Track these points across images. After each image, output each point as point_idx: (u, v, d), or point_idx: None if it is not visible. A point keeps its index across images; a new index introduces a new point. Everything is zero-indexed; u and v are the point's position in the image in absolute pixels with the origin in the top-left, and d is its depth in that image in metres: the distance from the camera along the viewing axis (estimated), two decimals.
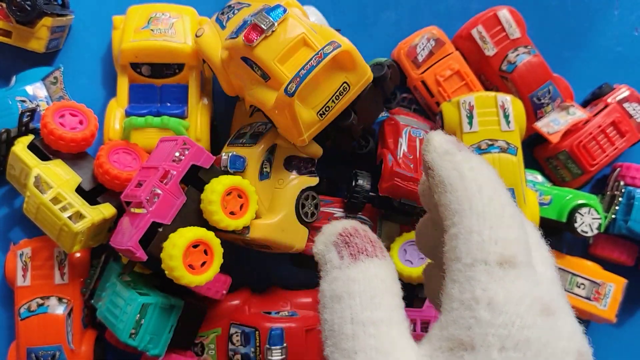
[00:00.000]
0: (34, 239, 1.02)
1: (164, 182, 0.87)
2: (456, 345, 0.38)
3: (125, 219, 0.90)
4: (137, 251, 0.84)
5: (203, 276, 0.86)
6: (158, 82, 1.00)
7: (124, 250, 0.86)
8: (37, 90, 1.04)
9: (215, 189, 0.87)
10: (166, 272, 0.84)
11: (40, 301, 0.98)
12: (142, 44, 0.97)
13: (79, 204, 0.90)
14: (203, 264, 0.86)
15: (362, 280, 0.42)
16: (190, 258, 0.85)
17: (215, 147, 1.03)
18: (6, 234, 1.08)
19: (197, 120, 0.99)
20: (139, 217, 0.86)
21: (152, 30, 0.98)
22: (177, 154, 0.89)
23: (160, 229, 0.86)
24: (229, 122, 1.07)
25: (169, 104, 1.01)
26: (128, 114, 0.98)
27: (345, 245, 0.43)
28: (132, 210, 0.88)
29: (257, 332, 0.98)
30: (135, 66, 1.00)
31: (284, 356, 0.97)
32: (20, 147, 0.95)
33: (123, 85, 1.01)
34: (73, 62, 1.09)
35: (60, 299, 0.99)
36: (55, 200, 0.89)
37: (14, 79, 1.05)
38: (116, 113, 1.00)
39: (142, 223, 0.84)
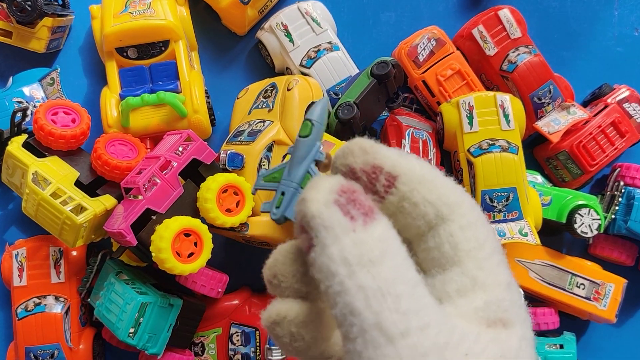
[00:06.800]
0: (29, 239, 1.02)
1: (164, 172, 0.88)
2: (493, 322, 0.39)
3: (120, 205, 0.91)
4: (128, 235, 0.84)
5: (187, 266, 0.86)
6: (146, 63, 1.01)
7: (115, 234, 0.86)
8: (33, 91, 1.03)
9: (211, 187, 0.88)
10: (153, 254, 0.84)
11: (37, 300, 0.98)
12: (124, 26, 0.98)
13: (79, 197, 0.89)
14: (190, 255, 0.86)
15: (389, 239, 0.37)
16: (179, 245, 0.85)
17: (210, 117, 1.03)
18: (1, 235, 1.07)
19: (192, 92, 1.00)
20: (134, 203, 0.86)
21: (131, 12, 0.99)
22: (180, 148, 0.90)
23: (154, 217, 0.87)
24: (227, 119, 1.07)
25: (160, 82, 1.01)
26: (122, 97, 0.98)
27: (352, 204, 0.37)
28: (130, 197, 0.89)
29: (257, 332, 0.98)
30: (121, 51, 1.00)
31: (284, 356, 0.96)
32: (15, 147, 0.94)
33: (112, 71, 1.01)
34: (73, 62, 1.09)
35: (57, 298, 0.98)
36: (55, 195, 0.88)
37: (10, 80, 1.05)
38: (111, 100, 1.00)
39: (137, 208, 0.85)
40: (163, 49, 1.01)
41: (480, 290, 0.40)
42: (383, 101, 0.99)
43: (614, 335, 1.12)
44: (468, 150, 0.96)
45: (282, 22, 1.03)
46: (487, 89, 1.06)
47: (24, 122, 0.99)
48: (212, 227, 0.90)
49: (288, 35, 1.03)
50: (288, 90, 0.97)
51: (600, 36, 1.12)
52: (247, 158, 0.94)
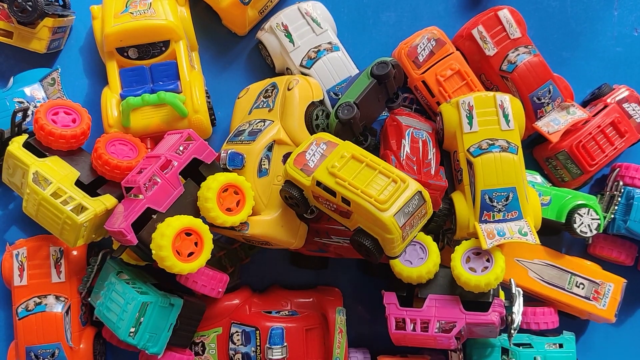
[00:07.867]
0: (30, 239, 1.02)
1: (165, 171, 0.88)
2: None
3: (121, 204, 0.91)
4: (128, 234, 0.84)
5: (186, 265, 0.86)
6: (147, 63, 1.01)
7: (116, 232, 0.86)
8: (34, 91, 1.03)
9: (211, 186, 0.88)
10: (153, 251, 0.84)
11: (38, 300, 0.98)
12: (125, 26, 0.98)
13: (80, 196, 0.90)
14: (190, 254, 0.87)
15: None
16: (180, 244, 0.86)
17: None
18: (1, 234, 1.07)
19: (192, 92, 1.00)
20: (135, 202, 0.87)
21: (131, 13, 0.99)
22: (181, 147, 0.90)
23: (155, 216, 0.87)
24: (228, 119, 1.07)
25: (161, 82, 1.01)
26: (123, 97, 0.99)
27: None
28: (130, 196, 0.89)
29: (257, 332, 0.98)
30: (122, 51, 1.01)
31: (284, 355, 0.97)
32: (16, 146, 0.94)
33: (113, 71, 1.01)
34: (74, 62, 1.09)
35: (57, 297, 0.98)
36: (56, 195, 0.89)
37: (11, 80, 1.05)
38: (112, 100, 1.00)
39: (137, 207, 0.86)
40: (163, 49, 1.01)
41: None
42: (383, 101, 0.99)
43: (613, 335, 1.12)
44: (468, 150, 0.97)
45: (282, 23, 1.03)
46: (487, 89, 1.07)
47: (24, 122, 0.99)
48: (212, 227, 0.90)
49: (288, 35, 1.03)
50: (288, 90, 0.97)
51: (600, 36, 1.12)
52: (247, 157, 0.94)
